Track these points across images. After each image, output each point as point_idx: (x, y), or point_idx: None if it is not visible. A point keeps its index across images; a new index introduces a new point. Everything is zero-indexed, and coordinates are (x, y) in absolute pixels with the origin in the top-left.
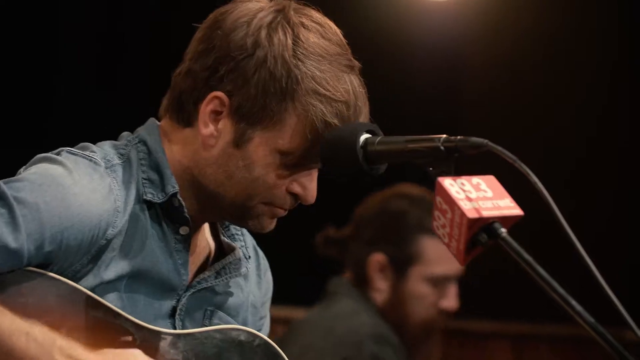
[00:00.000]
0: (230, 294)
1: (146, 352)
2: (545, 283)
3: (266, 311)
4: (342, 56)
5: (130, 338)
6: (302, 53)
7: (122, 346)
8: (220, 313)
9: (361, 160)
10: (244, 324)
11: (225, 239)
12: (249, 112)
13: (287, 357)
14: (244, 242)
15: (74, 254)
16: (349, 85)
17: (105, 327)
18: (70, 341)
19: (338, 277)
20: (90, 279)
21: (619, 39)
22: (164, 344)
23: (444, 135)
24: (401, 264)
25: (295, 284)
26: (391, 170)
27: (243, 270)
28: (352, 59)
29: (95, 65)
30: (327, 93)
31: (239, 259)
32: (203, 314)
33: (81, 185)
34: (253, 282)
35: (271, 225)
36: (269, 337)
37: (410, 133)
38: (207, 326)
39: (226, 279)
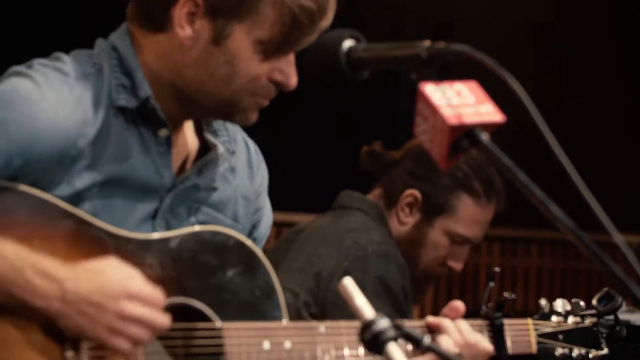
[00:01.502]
0: (215, 189)
1: (121, 259)
2: (525, 188)
3: (263, 203)
4: None
5: (104, 246)
6: None
7: (96, 255)
8: (206, 209)
9: (344, 66)
10: (235, 218)
11: (208, 136)
12: (225, 8)
13: (290, 262)
14: (228, 137)
15: (45, 166)
16: None
17: (78, 237)
18: (42, 257)
19: (351, 191)
20: (64, 189)
21: None
22: (138, 250)
23: (427, 42)
24: (433, 209)
25: (307, 191)
26: None
27: (226, 165)
28: None
29: None
30: None
31: (222, 155)
32: (187, 211)
33: (49, 99)
34: (243, 175)
35: (255, 117)
36: (270, 236)
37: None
38: (192, 223)
39: (210, 175)
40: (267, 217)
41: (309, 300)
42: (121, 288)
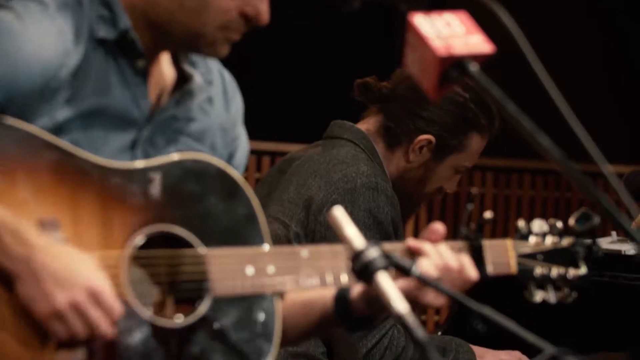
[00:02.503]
0: (194, 120)
1: (103, 189)
2: (513, 119)
3: (238, 132)
4: None
5: (88, 177)
6: None
7: (81, 186)
8: (184, 139)
9: None
10: (213, 148)
11: (186, 66)
12: None
13: (280, 192)
14: (205, 68)
15: (28, 99)
16: None
17: (62, 169)
18: (21, 221)
19: (342, 121)
20: (45, 121)
21: None
22: (122, 179)
23: None
24: (446, 150)
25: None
26: None
27: (204, 95)
28: None
29: None
30: None
31: (200, 85)
32: (166, 141)
33: (31, 31)
34: (220, 105)
35: (225, 50)
36: (266, 165)
37: None
38: (171, 153)
39: (187, 105)
40: (243, 146)
41: (299, 232)
42: (87, 281)
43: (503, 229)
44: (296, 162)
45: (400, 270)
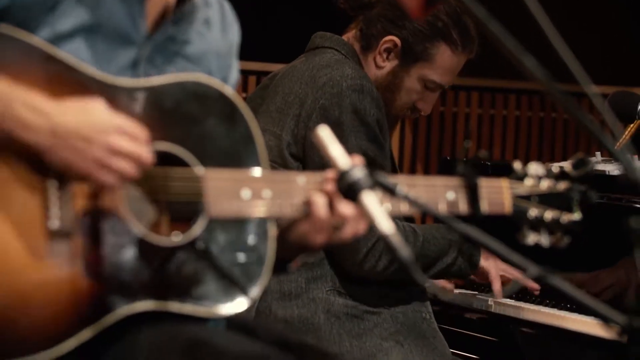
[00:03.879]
0: (191, 42)
1: (106, 104)
2: (496, 38)
3: (232, 62)
4: None
5: (89, 91)
6: None
7: (82, 97)
8: (182, 61)
9: None
10: (209, 73)
11: None
12: None
13: (267, 105)
14: None
15: (29, 7)
16: None
17: (63, 82)
18: (30, 92)
19: (323, 32)
20: (46, 32)
21: None
22: (122, 96)
23: None
24: (411, 56)
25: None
26: None
27: (203, 15)
28: None
29: None
30: None
31: (198, 6)
32: (165, 62)
33: None
34: (217, 30)
35: None
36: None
37: None
38: (168, 73)
39: (186, 27)
40: (234, 76)
41: (290, 140)
42: (110, 123)
43: (487, 149)
44: (279, 75)
45: (385, 190)
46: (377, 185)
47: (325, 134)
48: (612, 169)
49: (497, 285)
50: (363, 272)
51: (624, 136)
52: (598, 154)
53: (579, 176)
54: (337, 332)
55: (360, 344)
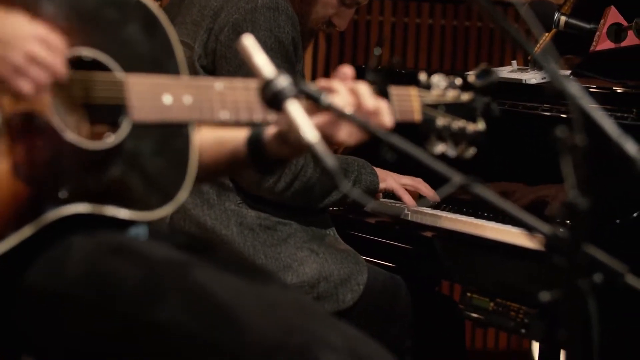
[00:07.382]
0: None
1: (20, 8)
2: None
3: None
4: None
5: None
6: None
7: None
8: None
9: None
10: None
11: None
12: None
13: (183, 15)
14: None
15: None
16: None
17: None
18: None
19: None
20: None
21: None
22: (45, 3)
23: None
24: None
25: None
26: None
27: None
28: None
29: None
30: None
31: None
32: None
33: None
34: None
35: None
36: None
37: None
38: None
39: None
40: None
41: (201, 52)
42: (30, 30)
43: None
44: None
45: (310, 99)
46: (301, 93)
47: (249, 43)
48: (529, 77)
49: (406, 198)
50: (260, 191)
51: (539, 44)
52: (514, 62)
53: (483, 86)
54: (252, 244)
55: (275, 255)
